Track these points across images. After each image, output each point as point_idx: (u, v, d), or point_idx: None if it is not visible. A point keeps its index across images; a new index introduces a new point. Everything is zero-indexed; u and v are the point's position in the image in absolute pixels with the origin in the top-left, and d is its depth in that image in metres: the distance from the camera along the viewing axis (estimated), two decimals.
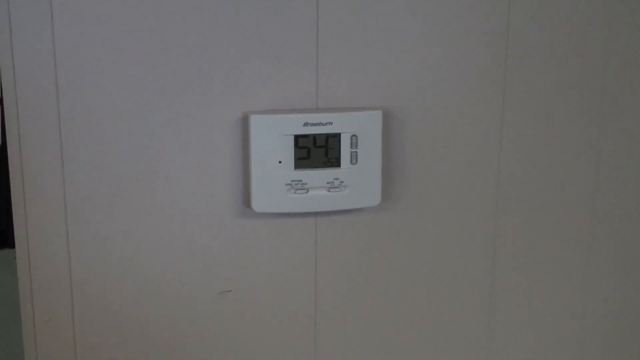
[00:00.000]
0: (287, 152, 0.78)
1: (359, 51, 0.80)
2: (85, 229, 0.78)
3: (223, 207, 0.81)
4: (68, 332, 0.81)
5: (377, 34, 0.80)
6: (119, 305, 0.81)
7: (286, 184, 0.79)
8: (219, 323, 0.84)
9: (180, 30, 0.76)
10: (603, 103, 0.88)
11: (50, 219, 0.77)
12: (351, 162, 0.80)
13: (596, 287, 0.94)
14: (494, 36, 0.83)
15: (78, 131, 0.76)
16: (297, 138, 0.78)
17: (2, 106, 0.76)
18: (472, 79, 0.84)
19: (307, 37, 0.79)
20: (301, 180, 0.79)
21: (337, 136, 0.79)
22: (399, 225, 0.86)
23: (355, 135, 0.79)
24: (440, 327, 0.90)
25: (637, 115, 0.89)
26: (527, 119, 0.86)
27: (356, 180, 0.81)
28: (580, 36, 0.86)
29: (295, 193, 0.79)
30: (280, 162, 0.78)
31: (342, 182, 0.80)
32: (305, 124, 0.78)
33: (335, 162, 0.80)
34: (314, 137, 0.78)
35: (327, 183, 0.80)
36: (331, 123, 0.78)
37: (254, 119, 0.77)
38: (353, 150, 0.80)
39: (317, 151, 0.79)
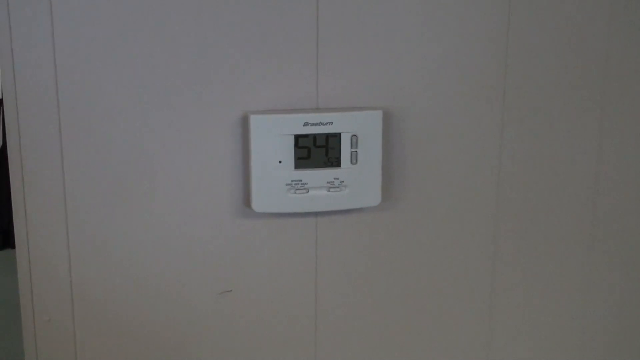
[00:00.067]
0: (287, 152, 0.78)
1: (359, 51, 0.80)
2: (85, 229, 0.78)
3: (223, 207, 0.81)
4: (68, 332, 0.81)
5: (377, 34, 0.80)
6: (119, 305, 0.81)
7: (286, 184, 0.79)
8: (219, 323, 0.84)
9: (180, 30, 0.76)
10: (603, 103, 0.88)
11: (50, 219, 0.77)
12: (351, 162, 0.80)
13: (596, 287, 0.94)
14: (494, 36, 0.83)
15: (78, 131, 0.76)
16: (297, 138, 0.78)
17: (2, 106, 0.76)
18: (472, 79, 0.84)
19: (307, 37, 0.79)
20: (301, 180, 0.79)
21: (337, 136, 0.79)
22: (399, 225, 0.86)
23: (355, 135, 0.79)
24: (440, 326, 0.90)
25: (637, 115, 0.89)
26: (527, 119, 0.86)
27: (356, 180, 0.81)
28: (580, 36, 0.86)
29: (296, 193, 0.79)
30: (280, 162, 0.78)
31: (343, 182, 0.80)
32: (306, 124, 0.78)
33: (336, 162, 0.80)
34: (314, 137, 0.78)
35: (327, 183, 0.80)
36: (331, 123, 0.78)
37: (254, 119, 0.77)
38: (353, 150, 0.80)
39: (317, 151, 0.79)
